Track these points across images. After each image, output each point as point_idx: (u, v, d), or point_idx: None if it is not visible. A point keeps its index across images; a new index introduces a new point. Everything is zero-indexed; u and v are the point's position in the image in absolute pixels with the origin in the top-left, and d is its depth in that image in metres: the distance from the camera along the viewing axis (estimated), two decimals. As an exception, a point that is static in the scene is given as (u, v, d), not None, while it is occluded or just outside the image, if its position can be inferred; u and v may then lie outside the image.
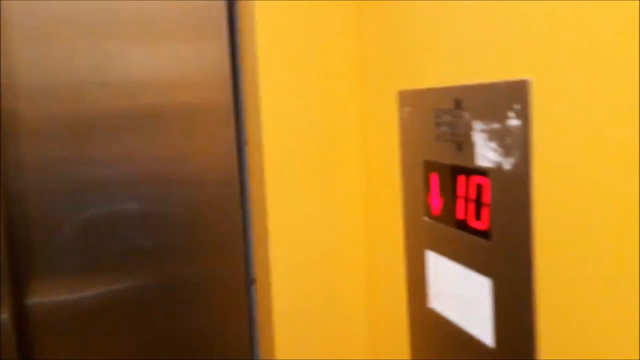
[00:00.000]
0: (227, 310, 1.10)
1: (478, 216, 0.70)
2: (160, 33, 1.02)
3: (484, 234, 0.68)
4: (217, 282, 1.09)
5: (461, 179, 0.72)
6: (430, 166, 0.79)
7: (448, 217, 0.76)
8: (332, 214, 1.02)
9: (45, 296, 1.01)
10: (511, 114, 0.61)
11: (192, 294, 1.08)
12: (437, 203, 0.79)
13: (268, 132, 0.97)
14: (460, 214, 0.73)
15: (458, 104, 0.71)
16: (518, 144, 0.61)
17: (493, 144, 0.65)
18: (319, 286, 1.03)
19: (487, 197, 0.67)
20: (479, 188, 0.69)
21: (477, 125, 0.67)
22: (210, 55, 1.05)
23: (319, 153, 1.01)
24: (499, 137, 0.64)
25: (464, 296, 0.74)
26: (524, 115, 0.59)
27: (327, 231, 1.02)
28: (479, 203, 0.69)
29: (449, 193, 0.75)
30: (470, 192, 0.71)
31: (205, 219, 1.07)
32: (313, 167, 1.00)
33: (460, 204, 0.73)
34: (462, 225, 0.73)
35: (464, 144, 0.71)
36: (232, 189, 1.08)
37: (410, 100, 0.83)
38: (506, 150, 0.63)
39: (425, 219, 0.82)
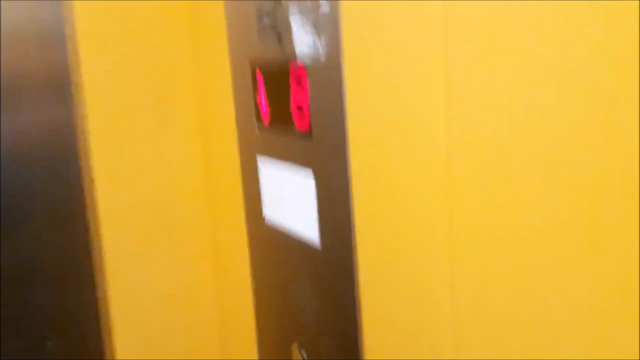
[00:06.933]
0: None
1: (301, 114, 0.66)
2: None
3: (306, 132, 0.65)
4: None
5: (283, 78, 0.68)
6: (256, 67, 0.74)
7: (275, 120, 0.72)
8: (167, 143, 0.95)
9: None
10: (321, -9, 0.57)
11: (37, 269, 0.97)
12: (265, 109, 0.74)
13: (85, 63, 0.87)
14: (284, 116, 0.69)
15: (276, -9, 0.66)
16: (329, 28, 0.57)
17: (308, 28, 0.61)
18: (158, 215, 0.96)
19: (306, 93, 0.64)
20: (299, 80, 0.65)
21: (294, 9, 0.63)
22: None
23: (148, 78, 0.92)
24: (314, 22, 0.60)
25: (293, 200, 0.71)
26: (333, -10, 0.56)
27: (163, 164, 0.95)
28: (301, 102, 0.66)
29: (276, 96, 0.71)
30: (293, 91, 0.67)
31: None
32: (142, 97, 0.92)
33: (285, 106, 0.69)
34: (287, 125, 0.69)
35: (284, 35, 0.66)
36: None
37: (234, -4, 0.77)
38: (319, 34, 0.59)
39: (255, 125, 0.77)
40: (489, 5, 0.41)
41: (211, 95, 0.91)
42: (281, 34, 0.66)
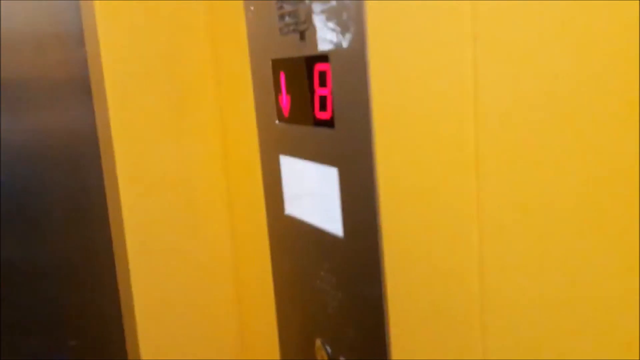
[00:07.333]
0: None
1: (323, 106, 0.67)
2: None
3: (329, 123, 0.66)
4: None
5: (306, 71, 0.69)
6: (277, 64, 0.75)
7: (297, 115, 0.73)
8: (189, 142, 0.96)
9: None
10: (345, -15, 0.58)
11: (58, 269, 0.98)
12: (286, 103, 0.75)
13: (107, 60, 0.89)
14: (308, 109, 0.70)
15: (298, -12, 0.67)
16: (354, 19, 0.58)
17: (332, 24, 0.62)
18: (179, 213, 0.97)
19: (329, 84, 0.65)
20: (322, 76, 0.66)
21: (317, 6, 0.64)
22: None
23: (168, 78, 0.93)
24: (337, 14, 0.61)
25: (315, 193, 0.72)
26: (357, -16, 0.57)
27: (181, 162, 0.96)
28: (323, 92, 0.66)
29: (297, 89, 0.72)
30: (315, 82, 0.68)
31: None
32: (161, 99, 0.93)
33: (307, 98, 0.70)
34: (310, 119, 0.70)
35: (307, 32, 0.67)
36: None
37: (254, -5, 0.78)
38: (343, 28, 0.60)
39: (277, 122, 0.78)
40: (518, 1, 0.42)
41: (232, 93, 0.92)
42: (305, 32, 0.67)
